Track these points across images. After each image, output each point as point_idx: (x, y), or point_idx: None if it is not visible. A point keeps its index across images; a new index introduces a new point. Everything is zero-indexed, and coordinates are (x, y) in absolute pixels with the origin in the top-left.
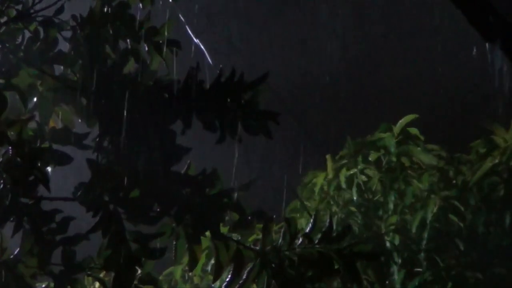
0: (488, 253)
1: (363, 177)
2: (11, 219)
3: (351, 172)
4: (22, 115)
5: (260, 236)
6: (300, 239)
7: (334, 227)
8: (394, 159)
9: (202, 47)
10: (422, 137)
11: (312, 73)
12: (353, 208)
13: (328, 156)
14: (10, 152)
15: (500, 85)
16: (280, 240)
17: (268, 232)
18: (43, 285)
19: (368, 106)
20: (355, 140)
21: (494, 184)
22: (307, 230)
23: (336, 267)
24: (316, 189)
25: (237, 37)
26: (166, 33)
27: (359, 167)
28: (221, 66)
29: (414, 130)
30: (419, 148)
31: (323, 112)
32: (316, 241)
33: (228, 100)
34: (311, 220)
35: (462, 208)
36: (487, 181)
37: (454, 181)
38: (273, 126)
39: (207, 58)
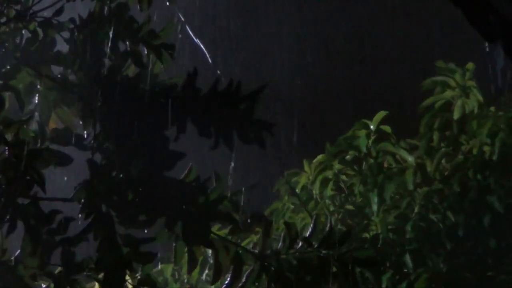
0: (478, 254)
1: (344, 177)
2: (6, 219)
3: (329, 176)
4: (20, 116)
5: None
6: (300, 243)
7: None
8: (372, 159)
9: (202, 47)
10: (394, 136)
11: (311, 72)
12: (349, 207)
13: (305, 161)
14: (7, 153)
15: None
16: (279, 244)
17: (268, 236)
18: (43, 286)
19: (362, 104)
20: (335, 142)
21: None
22: (307, 234)
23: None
24: (298, 189)
25: (236, 37)
26: (165, 37)
27: (335, 168)
28: (218, 72)
29: (387, 128)
30: (397, 146)
31: (321, 112)
32: (316, 245)
33: (225, 108)
34: (311, 224)
35: (441, 208)
36: (458, 175)
37: (433, 175)
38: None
39: (207, 58)
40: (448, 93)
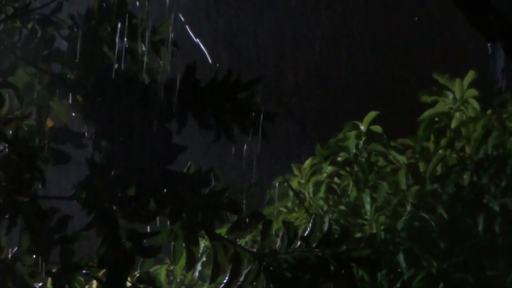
0: (473, 254)
1: (336, 179)
2: (6, 217)
3: (321, 179)
4: (19, 113)
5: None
6: (298, 243)
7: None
8: (363, 158)
9: (202, 47)
10: (384, 136)
11: (309, 70)
12: (342, 207)
13: (293, 165)
14: (7, 150)
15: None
16: (278, 243)
17: (266, 235)
18: (40, 284)
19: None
20: (326, 144)
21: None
22: (306, 233)
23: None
24: (290, 193)
25: (236, 37)
26: (163, 32)
27: (327, 170)
28: (217, 65)
29: (377, 128)
30: (388, 147)
31: (317, 110)
32: (314, 245)
33: (225, 99)
34: (310, 223)
35: (435, 205)
36: (454, 176)
37: (428, 178)
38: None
39: (207, 58)
40: (447, 107)
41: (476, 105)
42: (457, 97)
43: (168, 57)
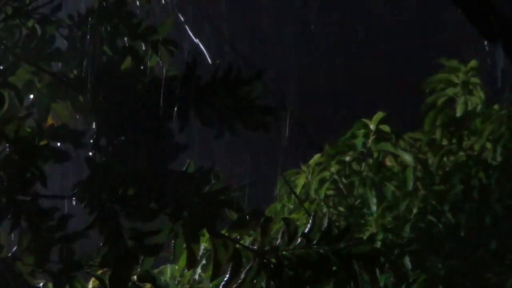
0: (478, 256)
1: (343, 179)
2: (9, 216)
3: (326, 177)
4: (19, 113)
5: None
6: (299, 240)
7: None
8: (371, 159)
9: (202, 47)
10: (393, 136)
11: (309, 69)
12: (341, 208)
13: (301, 163)
14: (8, 150)
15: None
16: (278, 240)
17: (267, 232)
18: (41, 283)
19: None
20: (334, 143)
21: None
22: (306, 230)
23: (334, 268)
24: (298, 189)
25: (236, 37)
26: (163, 32)
27: (333, 169)
28: (217, 61)
29: (386, 128)
30: (396, 146)
31: (320, 110)
32: (315, 242)
33: (226, 95)
34: (310, 221)
35: (440, 208)
36: (459, 176)
37: (435, 172)
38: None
39: (206, 58)
40: (451, 90)
41: (480, 93)
42: (462, 79)
43: (168, 57)
